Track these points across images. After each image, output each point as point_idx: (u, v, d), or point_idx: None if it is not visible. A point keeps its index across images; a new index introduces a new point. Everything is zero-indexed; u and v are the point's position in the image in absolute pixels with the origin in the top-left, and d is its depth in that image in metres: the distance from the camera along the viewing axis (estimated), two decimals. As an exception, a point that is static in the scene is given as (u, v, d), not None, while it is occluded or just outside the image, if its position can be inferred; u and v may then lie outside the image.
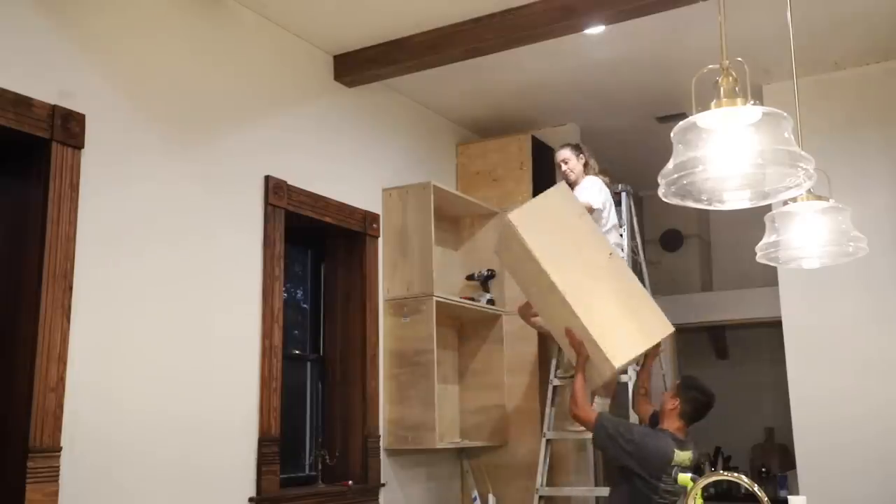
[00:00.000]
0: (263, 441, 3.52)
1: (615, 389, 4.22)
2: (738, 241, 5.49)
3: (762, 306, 5.53)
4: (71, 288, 2.80)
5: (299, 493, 3.79)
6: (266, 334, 3.60)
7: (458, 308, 4.66)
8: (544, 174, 4.95)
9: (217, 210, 3.47)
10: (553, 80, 4.64)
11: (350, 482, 4.03)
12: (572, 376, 4.29)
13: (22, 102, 2.74)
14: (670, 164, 1.77)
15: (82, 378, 2.81)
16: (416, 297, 4.35)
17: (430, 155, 4.99)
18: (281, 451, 3.62)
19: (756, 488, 2.15)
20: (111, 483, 2.90)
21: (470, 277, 4.90)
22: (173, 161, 3.30)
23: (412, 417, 4.25)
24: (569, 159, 4.40)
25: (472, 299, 4.77)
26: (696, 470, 6.20)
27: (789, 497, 2.56)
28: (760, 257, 2.68)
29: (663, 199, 1.85)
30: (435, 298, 4.31)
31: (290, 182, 3.83)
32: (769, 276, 4.78)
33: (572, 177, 4.40)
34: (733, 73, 1.79)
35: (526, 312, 4.37)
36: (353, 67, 4.20)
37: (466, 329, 4.99)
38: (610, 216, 4.37)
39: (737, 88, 1.76)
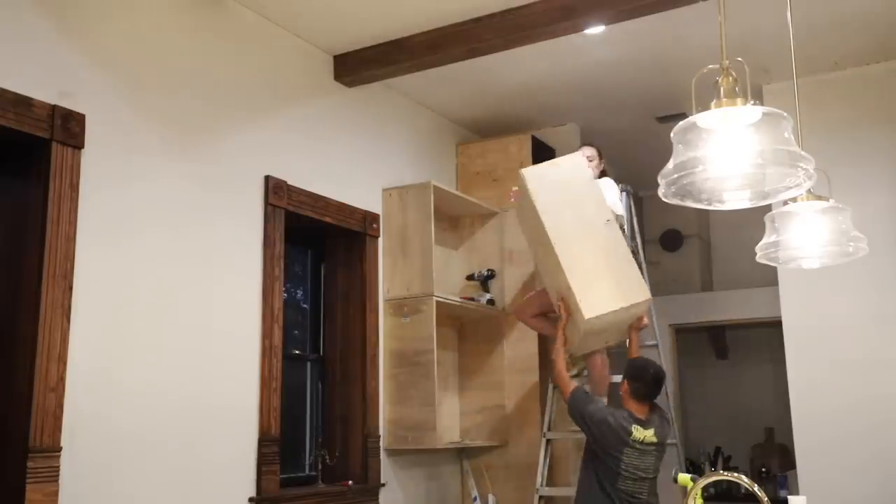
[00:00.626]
0: (263, 441, 3.52)
1: (609, 388, 4.22)
2: (738, 241, 5.50)
3: (762, 306, 5.54)
4: (71, 288, 2.80)
5: (299, 493, 3.79)
6: (266, 334, 3.60)
7: (458, 308, 4.66)
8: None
9: (217, 210, 3.47)
10: (553, 80, 4.64)
11: (350, 482, 4.03)
12: (574, 376, 4.32)
13: (22, 102, 2.74)
14: (670, 164, 1.77)
15: (82, 378, 2.82)
16: (416, 297, 4.35)
17: (430, 155, 4.99)
18: (281, 451, 3.62)
19: (756, 488, 2.15)
20: (111, 483, 2.90)
21: (470, 277, 4.90)
22: (173, 161, 3.30)
23: (412, 417, 4.25)
24: (593, 158, 4.41)
25: (472, 299, 4.77)
26: (697, 469, 6.25)
27: (789, 497, 2.56)
28: (760, 257, 2.68)
29: (663, 199, 1.85)
30: (435, 298, 4.31)
31: (290, 182, 3.83)
32: (769, 276, 4.77)
33: (595, 174, 4.41)
34: (733, 73, 1.79)
35: (523, 312, 4.37)
36: (353, 67, 4.20)
37: (466, 329, 4.99)
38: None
39: (737, 88, 1.76)
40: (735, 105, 1.74)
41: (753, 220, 2.95)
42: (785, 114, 1.74)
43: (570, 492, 4.56)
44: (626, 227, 4.41)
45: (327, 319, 4.36)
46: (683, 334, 6.67)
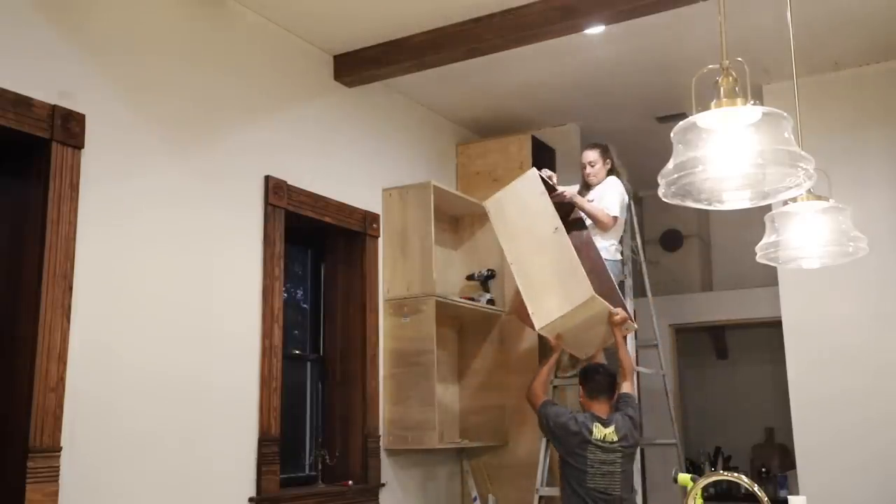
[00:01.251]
0: (263, 441, 3.52)
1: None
2: (738, 241, 5.50)
3: (762, 306, 5.54)
4: (71, 288, 2.80)
5: (299, 493, 3.79)
6: (266, 334, 3.60)
7: (458, 308, 4.66)
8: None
9: (217, 210, 3.47)
10: (553, 80, 4.64)
11: (350, 482, 4.03)
12: (572, 376, 4.34)
13: (22, 102, 2.74)
14: (670, 164, 1.77)
15: (82, 378, 2.82)
16: (416, 297, 4.35)
17: (430, 155, 5.00)
18: (281, 451, 3.62)
19: (756, 488, 2.15)
20: (111, 483, 2.90)
21: (470, 277, 4.90)
22: (173, 160, 3.30)
23: (412, 417, 4.25)
24: (595, 162, 4.38)
25: (472, 299, 4.77)
26: (697, 469, 6.25)
27: (789, 497, 2.56)
28: (760, 257, 2.67)
29: (663, 199, 1.85)
30: (435, 298, 4.31)
31: (290, 182, 3.83)
32: (769, 276, 4.78)
33: (594, 180, 4.39)
34: (733, 73, 1.79)
35: (522, 311, 4.37)
36: (353, 67, 4.20)
37: (466, 329, 4.99)
38: (603, 204, 4.34)
39: (737, 88, 1.76)
40: (735, 105, 1.74)
41: (753, 220, 2.95)
42: (785, 114, 1.74)
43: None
44: (624, 228, 4.40)
45: (327, 319, 4.36)
46: (683, 334, 6.67)
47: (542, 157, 4.99)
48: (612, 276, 4.14)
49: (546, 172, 4.23)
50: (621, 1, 3.56)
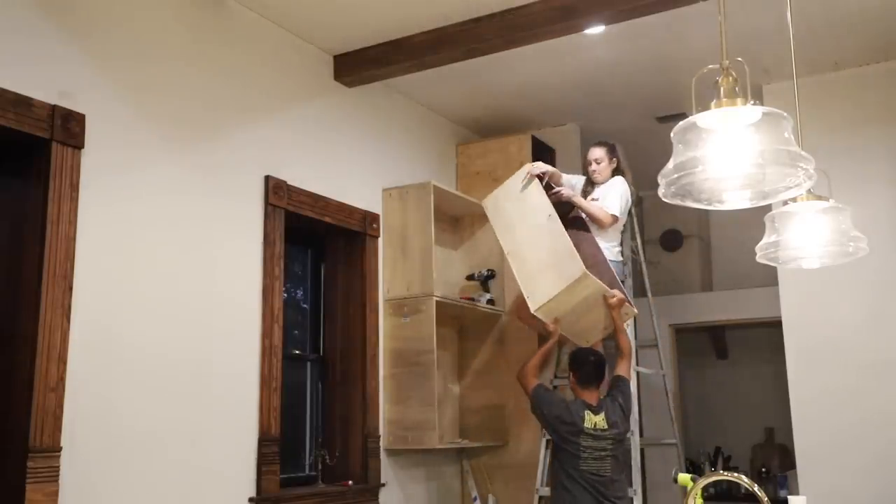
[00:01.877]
0: (263, 441, 3.52)
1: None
2: (738, 241, 5.50)
3: (762, 306, 5.54)
4: (71, 288, 2.80)
5: (299, 493, 3.79)
6: (266, 334, 3.60)
7: (458, 308, 4.66)
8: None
9: (217, 210, 3.47)
10: (553, 80, 4.64)
11: (350, 482, 4.03)
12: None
13: (22, 102, 2.74)
14: (670, 164, 1.77)
15: (82, 378, 2.82)
16: (416, 297, 4.35)
17: (430, 155, 5.00)
18: (281, 451, 3.62)
19: (756, 488, 2.15)
20: (111, 483, 2.90)
21: (470, 277, 4.90)
22: (173, 161, 3.30)
23: (412, 417, 4.25)
24: (601, 160, 4.36)
25: (472, 299, 4.77)
26: (697, 469, 6.25)
27: (789, 497, 2.56)
28: (760, 257, 2.67)
29: (663, 199, 1.85)
30: (435, 298, 4.31)
31: (290, 182, 3.83)
32: (769, 276, 4.78)
33: (599, 178, 4.37)
34: (733, 73, 1.79)
35: (522, 312, 4.36)
36: (353, 67, 4.20)
37: (466, 329, 4.99)
38: (605, 203, 4.32)
39: (737, 88, 1.76)
40: (735, 105, 1.74)
41: (753, 220, 2.95)
42: (785, 114, 1.74)
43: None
44: (624, 228, 4.40)
45: (327, 319, 4.36)
46: (683, 334, 6.66)
47: (542, 157, 4.99)
48: (612, 268, 4.13)
49: (539, 168, 4.22)
50: (621, 1, 3.56)
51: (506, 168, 5.00)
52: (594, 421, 3.75)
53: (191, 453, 3.22)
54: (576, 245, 3.95)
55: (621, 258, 4.43)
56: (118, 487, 2.92)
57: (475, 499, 4.79)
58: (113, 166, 3.04)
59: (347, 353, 4.27)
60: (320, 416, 4.26)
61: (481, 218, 5.00)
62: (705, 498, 2.75)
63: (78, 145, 2.88)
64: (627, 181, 4.37)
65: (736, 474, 2.31)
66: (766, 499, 2.16)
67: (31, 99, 2.77)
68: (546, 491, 4.35)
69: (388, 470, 4.27)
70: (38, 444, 2.64)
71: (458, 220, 5.10)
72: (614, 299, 3.89)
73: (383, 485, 4.21)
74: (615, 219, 4.24)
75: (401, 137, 4.74)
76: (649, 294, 4.92)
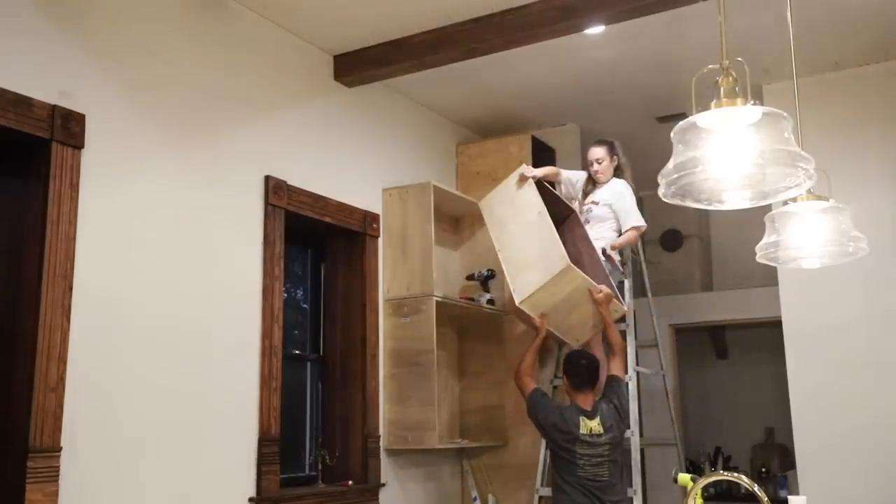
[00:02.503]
0: (263, 441, 3.52)
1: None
2: (738, 241, 5.51)
3: (762, 306, 5.54)
4: (71, 288, 2.80)
5: (299, 493, 3.79)
6: (266, 334, 3.60)
7: (458, 308, 4.66)
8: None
9: (217, 210, 3.47)
10: (553, 80, 4.64)
11: (350, 482, 4.03)
12: None
13: (22, 102, 2.74)
14: (670, 164, 1.77)
15: (82, 378, 2.82)
16: (416, 297, 4.35)
17: (430, 155, 5.00)
18: (281, 451, 3.62)
19: (756, 488, 2.15)
20: (111, 483, 2.90)
21: (470, 277, 4.90)
22: (173, 161, 3.30)
23: (412, 417, 4.25)
24: (602, 159, 4.37)
25: (472, 299, 4.77)
26: (697, 469, 6.25)
27: (789, 497, 2.56)
28: (760, 257, 2.67)
29: (663, 199, 1.85)
30: (435, 298, 4.31)
31: (290, 182, 3.83)
32: (769, 276, 4.78)
33: (602, 178, 4.38)
34: (733, 73, 1.79)
35: (522, 312, 4.36)
36: (353, 67, 4.20)
37: (466, 329, 4.99)
38: (628, 219, 4.32)
39: (737, 88, 1.76)
40: (735, 105, 1.74)
41: (753, 220, 2.95)
42: (785, 114, 1.74)
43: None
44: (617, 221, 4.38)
45: (327, 319, 4.36)
46: (683, 334, 6.66)
47: (542, 157, 4.99)
48: (606, 271, 4.13)
49: (529, 171, 4.22)
50: (621, 1, 3.56)
51: (506, 168, 4.98)
52: (589, 427, 3.72)
53: (191, 453, 3.22)
54: (575, 246, 3.96)
55: (619, 257, 4.42)
56: (118, 487, 2.92)
57: (475, 499, 4.79)
58: (113, 166, 3.04)
59: (347, 353, 4.27)
60: (320, 416, 4.26)
61: (481, 218, 4.98)
62: (705, 498, 2.75)
63: (78, 145, 2.88)
64: (627, 178, 4.38)
65: (736, 474, 2.31)
66: (766, 499, 2.16)
67: (31, 99, 2.77)
68: (546, 491, 4.36)
69: (388, 470, 4.27)
70: (38, 444, 2.64)
71: (458, 220, 5.10)
72: (601, 294, 3.86)
73: (383, 485, 4.21)
74: (642, 228, 4.30)
75: (401, 137, 4.74)
76: (649, 294, 4.92)
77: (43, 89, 2.82)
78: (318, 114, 4.12)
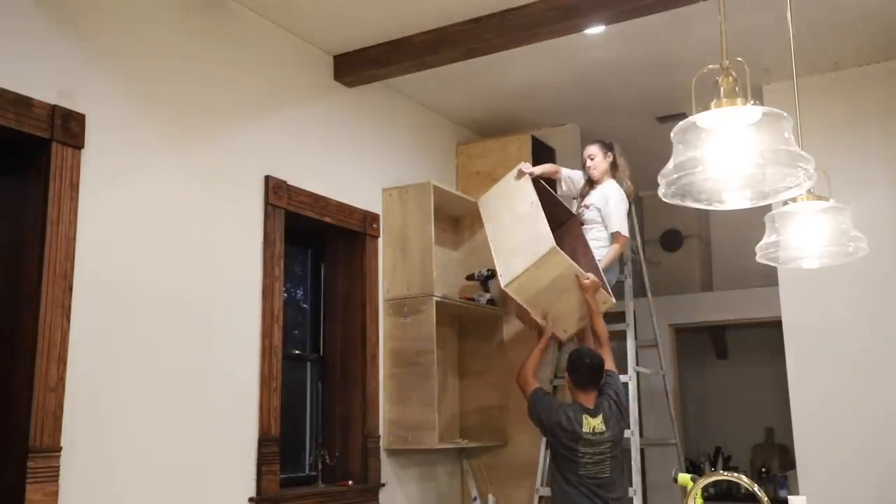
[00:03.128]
0: (263, 441, 3.52)
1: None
2: (738, 241, 5.51)
3: (762, 306, 5.54)
4: (71, 288, 2.80)
5: (299, 493, 3.79)
6: (266, 334, 3.60)
7: (458, 308, 4.66)
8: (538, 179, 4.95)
9: (217, 210, 3.48)
10: (553, 80, 4.64)
11: (350, 482, 4.03)
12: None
13: (22, 102, 2.74)
14: (670, 164, 1.77)
15: (82, 378, 2.82)
16: (416, 297, 4.34)
17: (430, 155, 4.99)
18: (281, 451, 3.62)
19: (756, 488, 2.15)
20: (111, 483, 2.90)
21: (470, 277, 4.90)
22: (173, 161, 3.30)
23: (412, 417, 4.25)
24: (595, 156, 4.38)
25: (472, 299, 4.77)
26: (697, 469, 6.25)
27: (789, 497, 2.56)
28: (760, 257, 2.67)
29: (663, 199, 1.85)
30: (435, 298, 4.31)
31: (290, 182, 3.83)
32: (769, 276, 4.78)
33: (595, 174, 4.38)
34: (733, 73, 1.79)
35: (523, 314, 4.36)
36: (353, 67, 4.20)
37: (466, 329, 4.99)
38: (611, 224, 4.30)
39: (737, 88, 1.76)
40: (735, 105, 1.74)
41: (753, 220, 2.95)
42: (785, 114, 1.74)
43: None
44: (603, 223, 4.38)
45: (327, 319, 4.36)
46: (683, 334, 6.67)
47: (542, 157, 4.99)
48: (599, 267, 4.14)
49: (527, 168, 4.27)
50: (621, 1, 3.55)
51: (506, 168, 4.97)
52: (592, 425, 3.72)
53: (191, 453, 3.22)
54: (572, 247, 3.96)
55: (619, 271, 4.43)
56: (118, 487, 2.92)
57: (475, 499, 4.79)
58: (113, 166, 3.04)
59: (347, 353, 4.27)
60: (320, 416, 4.26)
61: (481, 218, 5.00)
62: (705, 498, 2.75)
63: (78, 145, 2.88)
64: (624, 179, 4.37)
65: (736, 474, 2.31)
66: (766, 499, 2.16)
67: (31, 99, 2.77)
68: (546, 491, 4.36)
69: (387, 470, 4.27)
70: (38, 444, 2.64)
71: (458, 220, 5.10)
72: (587, 281, 3.87)
73: (383, 485, 4.21)
74: (625, 237, 4.26)
75: (401, 137, 4.74)
76: (649, 294, 4.92)
77: (43, 89, 2.82)
78: (318, 114, 4.12)
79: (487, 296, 4.83)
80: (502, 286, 3.93)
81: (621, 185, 4.34)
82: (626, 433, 4.00)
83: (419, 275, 4.37)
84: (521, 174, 4.24)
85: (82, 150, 2.90)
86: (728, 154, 1.75)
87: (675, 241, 6.73)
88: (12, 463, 2.64)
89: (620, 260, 4.46)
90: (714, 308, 6.37)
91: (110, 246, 2.99)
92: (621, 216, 4.25)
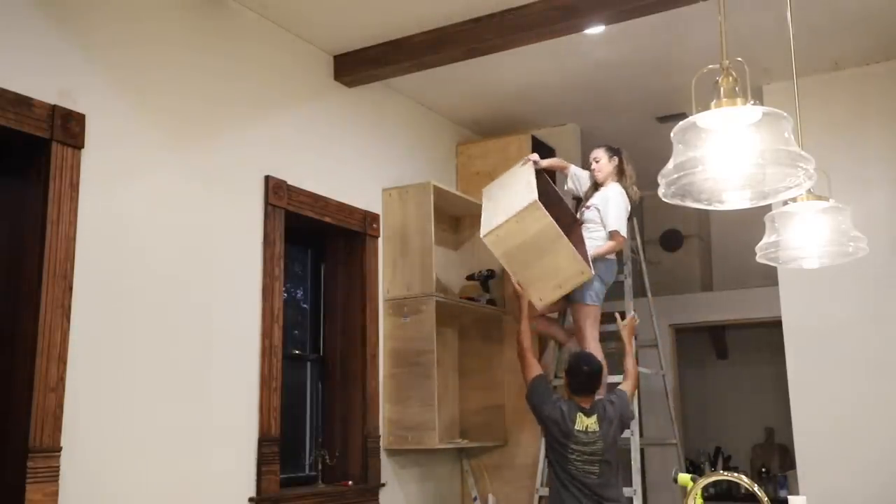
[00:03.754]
0: (263, 441, 3.52)
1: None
2: (738, 241, 5.50)
3: (762, 306, 5.54)
4: (71, 288, 2.80)
5: (299, 493, 3.79)
6: (266, 334, 3.60)
7: (458, 308, 4.66)
8: (543, 174, 4.95)
9: (217, 210, 3.48)
10: (553, 80, 4.64)
11: (350, 482, 4.03)
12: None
13: (22, 102, 2.74)
14: (670, 164, 1.77)
15: (82, 378, 2.82)
16: (416, 297, 4.34)
17: (430, 155, 4.99)
18: (281, 451, 3.62)
19: (756, 488, 2.15)
20: (111, 483, 2.90)
21: (470, 277, 4.90)
22: (173, 161, 3.30)
23: (412, 417, 4.25)
24: (599, 158, 4.37)
25: (472, 299, 4.77)
26: (697, 469, 6.25)
27: (789, 497, 2.56)
28: (760, 257, 2.68)
29: (663, 199, 1.85)
30: (435, 298, 4.31)
31: (290, 182, 3.83)
32: (769, 276, 4.77)
33: (599, 176, 4.38)
34: (733, 73, 1.79)
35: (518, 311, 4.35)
36: (353, 67, 4.20)
37: (466, 329, 4.99)
38: (608, 223, 4.30)
39: (737, 88, 1.76)
40: (735, 105, 1.74)
41: (753, 220, 2.95)
42: (785, 114, 1.74)
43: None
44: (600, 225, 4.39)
45: (327, 319, 4.36)
46: (683, 334, 6.67)
47: (542, 156, 4.97)
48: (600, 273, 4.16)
49: (535, 157, 4.32)
50: (621, 1, 3.56)
51: (506, 168, 4.97)
52: (586, 424, 3.72)
53: (191, 453, 3.22)
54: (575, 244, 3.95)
55: (613, 256, 4.42)
56: (118, 487, 2.92)
57: (475, 499, 4.79)
58: (113, 166, 3.04)
59: (347, 353, 4.27)
60: (320, 416, 4.26)
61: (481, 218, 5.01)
62: (705, 498, 2.75)
63: (78, 145, 2.88)
64: (629, 184, 4.35)
65: (736, 474, 2.31)
66: (766, 499, 2.16)
67: (31, 99, 2.77)
68: (546, 491, 4.36)
69: (387, 470, 4.27)
70: (38, 444, 2.64)
71: (458, 220, 5.10)
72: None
73: (383, 485, 4.21)
74: (621, 236, 4.25)
75: (401, 137, 4.74)
76: (649, 294, 4.92)
77: (43, 89, 2.82)
78: (318, 114, 4.12)
79: (487, 296, 4.83)
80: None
81: (627, 191, 4.33)
82: (626, 433, 3.99)
83: (419, 275, 4.37)
84: (526, 162, 4.27)
85: (82, 150, 2.90)
86: (728, 154, 1.75)
87: (675, 241, 6.74)
88: (12, 463, 2.65)
89: (620, 260, 4.46)
90: (714, 308, 6.37)
91: (110, 246, 2.99)
92: (619, 216, 4.24)
